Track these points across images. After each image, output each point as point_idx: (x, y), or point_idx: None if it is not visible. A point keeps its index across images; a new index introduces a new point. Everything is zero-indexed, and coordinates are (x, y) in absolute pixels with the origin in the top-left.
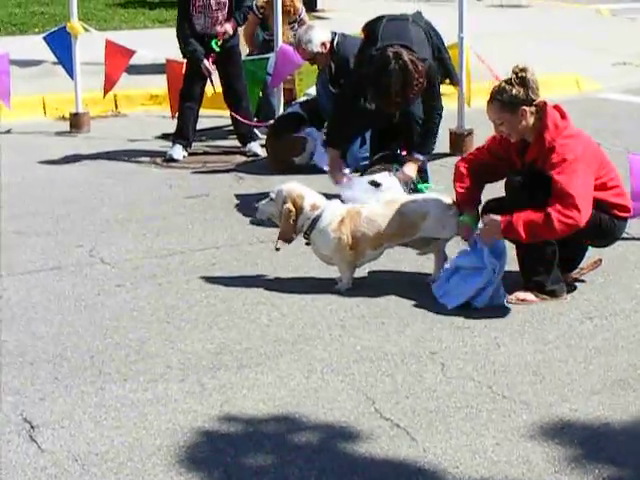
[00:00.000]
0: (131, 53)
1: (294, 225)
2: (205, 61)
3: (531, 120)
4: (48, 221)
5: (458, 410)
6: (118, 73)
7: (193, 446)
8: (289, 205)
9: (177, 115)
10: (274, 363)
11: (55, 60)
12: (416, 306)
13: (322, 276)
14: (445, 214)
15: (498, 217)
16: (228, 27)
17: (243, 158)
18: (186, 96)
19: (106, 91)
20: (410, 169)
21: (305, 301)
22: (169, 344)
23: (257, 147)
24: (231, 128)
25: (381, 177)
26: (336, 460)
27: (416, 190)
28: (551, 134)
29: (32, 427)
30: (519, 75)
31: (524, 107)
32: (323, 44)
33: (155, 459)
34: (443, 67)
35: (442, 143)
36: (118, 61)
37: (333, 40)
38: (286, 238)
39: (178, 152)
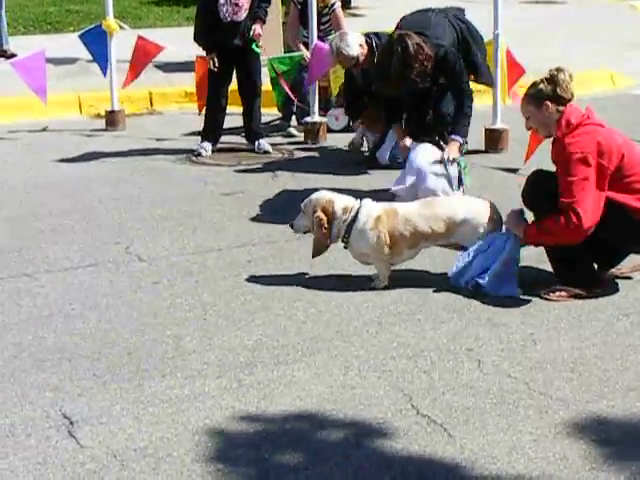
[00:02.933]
0: (160, 49)
1: (328, 233)
2: (214, 55)
3: (555, 116)
4: (85, 218)
5: (495, 407)
6: (142, 67)
7: (230, 442)
8: (319, 213)
9: (204, 112)
10: (311, 360)
11: (90, 58)
12: (452, 303)
13: (358, 273)
14: (480, 224)
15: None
16: (258, 27)
17: (278, 155)
18: (211, 92)
19: (126, 83)
20: (453, 149)
21: (341, 298)
22: (206, 341)
23: (267, 145)
24: (275, 123)
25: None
26: (373, 457)
27: (460, 176)
28: (562, 130)
29: (71, 423)
30: (552, 74)
31: (547, 101)
32: (360, 45)
33: (193, 455)
34: (471, 62)
35: (477, 140)
36: (145, 56)
37: (367, 42)
38: (320, 249)
39: (206, 149)
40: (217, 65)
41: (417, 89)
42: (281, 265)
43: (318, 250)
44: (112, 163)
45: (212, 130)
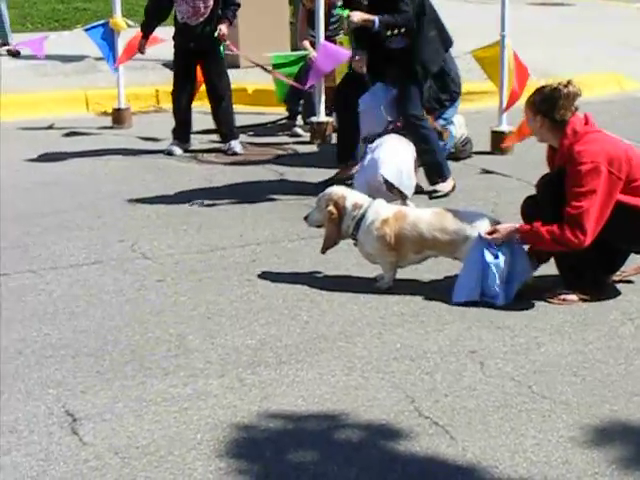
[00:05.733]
0: (157, 41)
1: (338, 228)
2: (142, 40)
3: (547, 133)
4: (90, 216)
5: (497, 409)
6: (132, 53)
7: (233, 441)
8: (331, 208)
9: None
10: (314, 360)
11: (98, 56)
12: (455, 305)
13: (362, 274)
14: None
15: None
16: (224, 27)
17: (282, 152)
18: (173, 91)
19: (119, 62)
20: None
21: (345, 298)
22: (209, 339)
23: (237, 146)
24: (281, 122)
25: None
26: (375, 457)
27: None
28: (569, 140)
29: (74, 420)
30: (557, 87)
31: (539, 116)
32: None
33: (195, 453)
34: None
35: (483, 142)
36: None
37: None
38: (330, 243)
39: (175, 148)
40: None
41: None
42: (285, 265)
43: (327, 245)
44: (118, 161)
45: (179, 128)
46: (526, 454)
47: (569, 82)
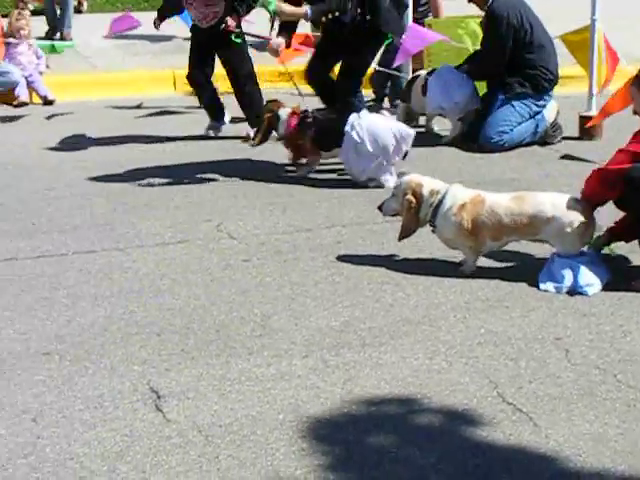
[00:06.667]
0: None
1: (416, 216)
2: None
3: None
4: (177, 195)
5: (582, 397)
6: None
7: (315, 422)
8: (409, 196)
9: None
10: (398, 343)
11: (186, 36)
12: (541, 291)
13: (446, 258)
14: (568, 223)
15: None
16: (230, 20)
17: None
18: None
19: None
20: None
21: (429, 282)
22: (293, 320)
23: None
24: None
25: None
26: (457, 442)
27: None
28: None
29: (158, 397)
30: None
31: None
32: None
33: (277, 433)
34: None
35: (571, 128)
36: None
37: None
38: (408, 232)
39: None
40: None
41: None
42: (370, 247)
43: (405, 234)
44: (204, 140)
45: (208, 110)
46: (610, 443)
47: None
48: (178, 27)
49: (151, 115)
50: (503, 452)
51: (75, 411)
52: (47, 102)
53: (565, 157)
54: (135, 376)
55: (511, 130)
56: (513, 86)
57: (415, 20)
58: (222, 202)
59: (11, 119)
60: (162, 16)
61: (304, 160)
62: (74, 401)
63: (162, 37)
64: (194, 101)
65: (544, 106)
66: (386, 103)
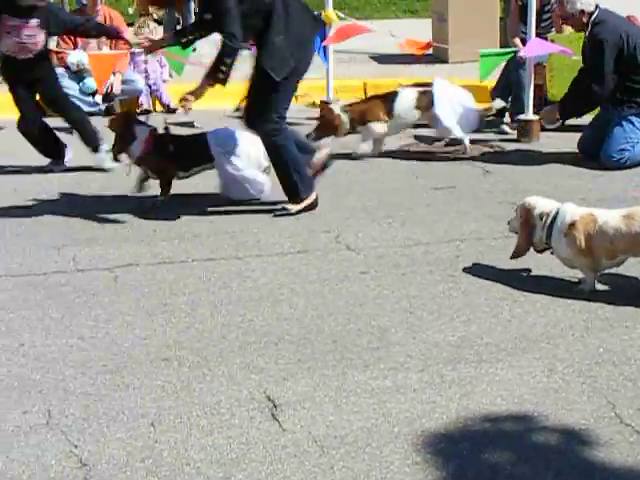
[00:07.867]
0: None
1: (530, 238)
2: None
3: None
4: None
5: None
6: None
7: (430, 436)
8: (523, 219)
9: None
10: (514, 360)
11: None
12: None
13: (565, 276)
14: None
15: None
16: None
17: (488, 150)
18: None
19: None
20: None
21: (548, 299)
22: (410, 333)
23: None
24: (487, 120)
25: None
26: (573, 462)
27: None
28: None
29: (274, 406)
30: None
31: None
32: (582, 12)
33: (392, 446)
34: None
35: None
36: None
37: (593, 13)
38: (521, 252)
39: None
40: None
41: None
42: (488, 262)
43: (518, 254)
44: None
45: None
46: None
47: None
48: None
49: None
50: (619, 474)
51: (192, 417)
52: (169, 110)
53: None
54: (252, 384)
55: (632, 147)
56: (628, 104)
57: (538, 35)
58: (341, 214)
59: None
60: None
61: None
62: (192, 407)
63: None
64: (314, 112)
65: None
66: (506, 117)
